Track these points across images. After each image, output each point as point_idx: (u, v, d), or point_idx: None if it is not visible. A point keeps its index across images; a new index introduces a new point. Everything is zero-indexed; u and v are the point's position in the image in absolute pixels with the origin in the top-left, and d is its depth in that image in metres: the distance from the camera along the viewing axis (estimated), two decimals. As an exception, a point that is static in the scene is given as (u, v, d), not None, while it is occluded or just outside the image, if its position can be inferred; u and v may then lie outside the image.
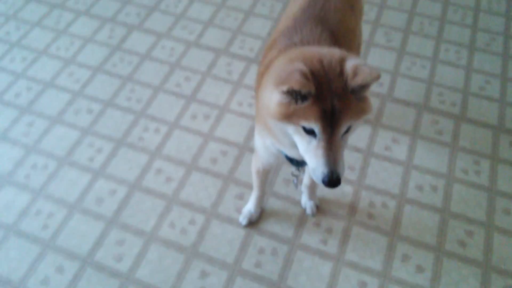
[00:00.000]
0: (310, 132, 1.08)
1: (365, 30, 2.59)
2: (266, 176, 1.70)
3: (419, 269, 1.75)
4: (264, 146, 1.41)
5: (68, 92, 2.27)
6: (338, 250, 1.78)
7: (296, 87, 1.02)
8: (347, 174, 1.99)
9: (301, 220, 1.86)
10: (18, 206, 1.87)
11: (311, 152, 1.10)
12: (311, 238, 1.81)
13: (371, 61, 2.44)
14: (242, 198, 1.91)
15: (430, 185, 1.98)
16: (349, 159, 2.04)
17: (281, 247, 1.78)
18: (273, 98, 1.10)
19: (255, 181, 1.72)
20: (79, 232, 1.81)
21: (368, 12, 2.70)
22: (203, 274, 1.71)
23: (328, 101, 1.05)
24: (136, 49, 2.47)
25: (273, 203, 1.91)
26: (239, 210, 1.87)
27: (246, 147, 2.07)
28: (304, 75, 1.03)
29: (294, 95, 1.06)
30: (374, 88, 2.31)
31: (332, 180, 1.08)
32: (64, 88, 2.28)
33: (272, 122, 1.14)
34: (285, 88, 1.04)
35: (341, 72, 1.07)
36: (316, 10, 1.46)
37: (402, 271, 1.74)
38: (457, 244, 1.81)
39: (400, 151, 2.08)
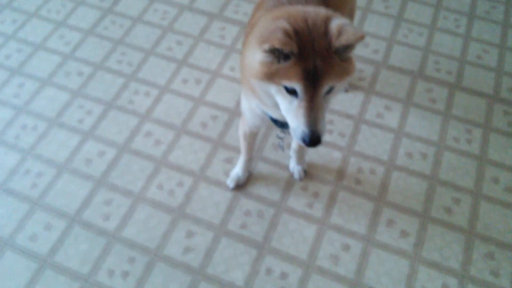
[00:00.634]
0: (292, 92, 1.07)
1: (363, -4, 2.53)
2: (253, 139, 1.70)
3: (403, 234, 1.76)
4: (250, 108, 1.40)
5: (59, 54, 2.25)
6: (324, 213, 1.79)
7: (278, 45, 1.00)
8: (337, 140, 1.99)
9: (289, 184, 1.87)
10: (7, 166, 1.89)
11: (292, 112, 1.09)
12: (297, 201, 1.82)
13: (367, 27, 2.40)
14: (230, 162, 1.92)
15: (420, 152, 1.97)
16: (340, 126, 2.03)
17: (267, 210, 1.79)
18: (256, 57, 1.09)
19: (242, 145, 1.72)
20: (68, 192, 1.82)
21: (367, -22, 2.63)
22: (189, 234, 1.73)
23: (311, 61, 1.03)
24: (128, 12, 2.43)
25: (261, 168, 1.91)
26: (227, 174, 1.88)
27: (236, 112, 2.05)
28: (286, 33, 1.01)
29: (277, 53, 1.04)
30: (368, 55, 2.28)
31: (313, 140, 1.08)
32: (55, 50, 2.26)
33: (255, 82, 1.13)
34: (267, 46, 1.02)
35: (325, 32, 1.05)
36: None
37: (386, 236, 1.75)
38: (443, 210, 1.82)
39: (392, 118, 2.06)
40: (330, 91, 1.09)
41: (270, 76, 1.07)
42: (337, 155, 1.95)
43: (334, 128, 2.02)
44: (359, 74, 2.20)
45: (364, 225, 1.77)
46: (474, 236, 1.76)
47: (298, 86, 1.05)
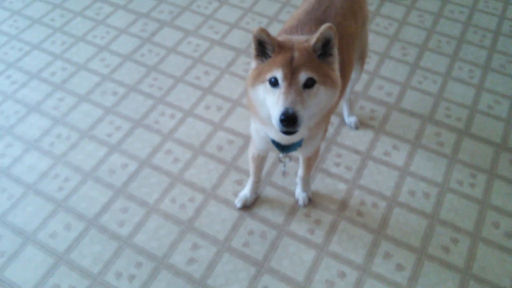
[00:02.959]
0: (275, 84, 1.24)
1: (382, 42, 2.69)
2: (261, 162, 1.83)
3: (399, 267, 1.81)
4: (256, 130, 1.55)
5: (98, 75, 2.49)
6: (323, 240, 1.88)
7: (261, 35, 1.23)
8: (343, 172, 2.09)
9: (293, 209, 1.97)
10: (40, 169, 2.08)
11: (274, 102, 1.23)
12: (299, 226, 1.92)
13: (384, 72, 2.54)
14: (240, 183, 2.05)
15: (422, 191, 2.04)
16: (348, 160, 2.14)
17: (270, 231, 1.90)
18: (250, 69, 1.32)
19: (251, 167, 1.86)
20: (89, 197, 1.99)
21: (388, 27, 2.80)
22: (195, 246, 1.85)
23: (289, 54, 1.24)
24: (164, 43, 2.67)
25: (268, 192, 2.03)
26: (236, 194, 2.00)
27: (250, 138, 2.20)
28: (265, 32, 1.23)
29: (262, 56, 1.28)
30: (382, 96, 2.41)
31: (287, 116, 1.18)
32: (95, 71, 2.51)
33: (251, 93, 1.31)
34: (253, 37, 1.25)
35: (306, 40, 1.28)
36: (318, 13, 1.60)
37: (382, 267, 1.81)
38: (441, 249, 1.87)
39: (398, 157, 2.16)
40: (311, 86, 1.24)
41: (258, 76, 1.27)
42: (342, 186, 2.05)
43: (342, 161, 2.13)
44: (370, 114, 2.33)
45: (362, 255, 1.84)
46: (469, 277, 1.80)
47: (277, 73, 1.23)
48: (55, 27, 2.75)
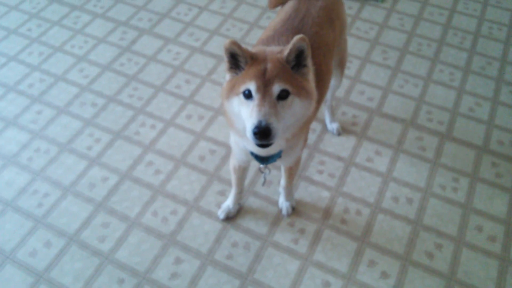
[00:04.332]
0: (249, 97, 1.23)
1: (363, 47, 2.69)
2: (243, 173, 1.82)
3: (384, 275, 1.81)
4: (235, 142, 1.54)
5: (77, 86, 2.45)
6: (308, 250, 1.87)
7: (233, 48, 1.22)
8: (326, 180, 2.08)
9: (277, 219, 1.96)
10: (18, 185, 2.04)
11: (248, 115, 1.22)
12: (283, 236, 1.90)
13: (365, 76, 2.54)
14: (223, 194, 2.03)
15: (406, 197, 2.04)
16: (330, 167, 2.13)
17: (253, 243, 1.88)
18: (225, 82, 1.31)
19: (233, 178, 1.84)
20: (70, 213, 1.95)
21: (369, 31, 2.80)
22: (178, 261, 1.82)
23: (262, 65, 1.23)
24: (144, 51, 2.64)
25: (252, 202, 2.01)
26: (219, 205, 1.98)
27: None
28: (236, 44, 1.23)
29: (236, 68, 1.28)
30: (363, 102, 2.40)
31: (261, 129, 1.16)
32: (74, 82, 2.47)
33: (226, 106, 1.31)
34: (225, 49, 1.24)
35: (279, 51, 1.28)
36: (295, 22, 1.59)
37: (366, 276, 1.80)
38: (425, 255, 1.87)
39: (381, 163, 2.16)
40: (285, 97, 1.23)
41: (232, 89, 1.26)
42: (325, 194, 2.04)
43: (325, 168, 2.13)
44: (352, 120, 2.32)
45: (346, 264, 1.83)
46: (454, 282, 1.80)
47: (251, 85, 1.22)
48: (32, 38, 2.70)
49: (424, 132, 2.29)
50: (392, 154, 2.20)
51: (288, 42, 1.47)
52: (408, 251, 1.88)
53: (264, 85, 1.21)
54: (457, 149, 2.23)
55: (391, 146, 2.23)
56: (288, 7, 1.68)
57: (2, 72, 2.51)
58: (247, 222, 1.94)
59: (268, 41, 1.54)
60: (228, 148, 2.19)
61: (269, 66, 1.23)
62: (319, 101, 1.47)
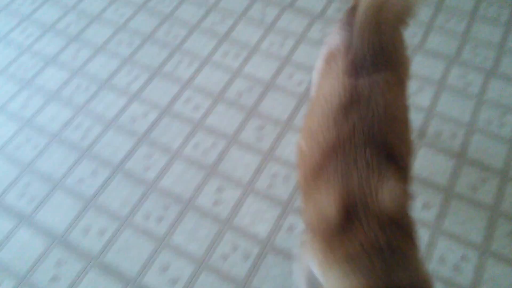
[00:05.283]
0: None
1: None
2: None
3: (426, 206, 1.80)
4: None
5: (113, 25, 2.45)
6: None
7: None
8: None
9: (316, 152, 1.95)
10: (62, 119, 2.09)
11: None
12: (323, 168, 1.91)
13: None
14: (262, 128, 2.03)
15: (449, 131, 2.00)
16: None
17: (293, 174, 1.89)
18: None
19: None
20: (113, 145, 2.00)
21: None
22: (219, 189, 1.86)
23: None
24: (178, -10, 2.60)
25: (292, 136, 2.01)
26: (258, 139, 1.99)
27: (272, 84, 2.17)
28: None
29: None
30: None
31: None
32: (110, 21, 2.47)
33: None
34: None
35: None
36: (363, 124, 1.05)
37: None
38: (469, 188, 1.85)
39: (423, 98, 2.11)
40: None
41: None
42: (365, 128, 2.02)
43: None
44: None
45: (387, 195, 1.83)
46: (498, 213, 1.78)
47: None
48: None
49: (469, 68, 2.21)
50: (435, 89, 2.14)
51: (366, 167, 1.01)
52: (451, 183, 1.86)
53: None
54: (503, 86, 2.15)
55: (434, 82, 2.17)
56: (336, 88, 1.12)
57: (40, 12, 2.52)
58: (286, 155, 1.95)
59: (334, 171, 1.02)
60: (265, 85, 2.17)
61: None
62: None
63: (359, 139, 1.03)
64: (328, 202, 0.99)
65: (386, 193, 0.98)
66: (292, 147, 1.97)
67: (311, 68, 2.22)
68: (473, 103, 2.09)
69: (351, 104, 1.07)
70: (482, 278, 1.65)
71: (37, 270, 1.69)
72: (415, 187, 1.84)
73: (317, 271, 1.04)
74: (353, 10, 1.24)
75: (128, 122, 2.07)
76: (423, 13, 2.44)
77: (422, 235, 1.73)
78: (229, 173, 1.90)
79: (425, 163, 1.91)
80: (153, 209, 1.81)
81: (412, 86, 2.15)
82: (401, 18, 1.25)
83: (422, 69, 2.21)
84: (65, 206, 1.83)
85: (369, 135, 1.04)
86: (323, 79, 1.21)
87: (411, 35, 2.34)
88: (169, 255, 1.71)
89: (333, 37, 1.26)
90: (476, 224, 1.75)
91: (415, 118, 2.04)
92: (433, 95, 2.12)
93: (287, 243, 1.72)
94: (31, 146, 2.01)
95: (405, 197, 1.03)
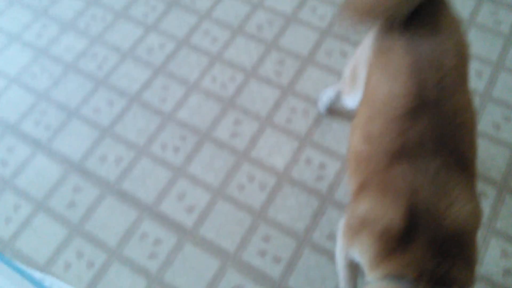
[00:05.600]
0: None
1: None
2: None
3: (447, 143, 1.76)
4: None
5: (129, -46, 2.36)
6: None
7: None
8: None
9: (337, 87, 1.90)
10: (77, 49, 2.05)
11: None
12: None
13: None
14: (282, 62, 1.98)
15: (475, 70, 1.93)
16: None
17: (311, 109, 1.86)
18: None
19: (344, 281, 1.30)
20: (129, 75, 1.97)
21: None
22: (237, 122, 1.83)
23: None
24: None
25: (311, 71, 1.95)
26: (276, 74, 1.94)
27: (293, 18, 2.09)
28: None
29: None
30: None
31: None
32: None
33: None
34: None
35: None
36: (433, 130, 1.00)
37: (429, 143, 1.76)
38: (492, 126, 1.80)
39: (449, 36, 2.02)
40: None
41: None
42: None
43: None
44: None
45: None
46: (520, 153, 1.74)
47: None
48: None
49: (500, 5, 2.10)
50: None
51: (429, 171, 0.97)
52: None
53: None
54: (535, 24, 2.05)
55: (463, 19, 2.07)
56: (398, 62, 1.07)
57: None
58: (306, 90, 1.91)
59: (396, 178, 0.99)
60: (287, 17, 2.09)
61: None
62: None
63: (428, 146, 0.98)
64: (393, 210, 0.96)
65: (456, 211, 0.95)
66: (313, 82, 1.92)
67: (336, 1, 2.13)
68: (502, 41, 2.00)
69: (418, 108, 1.01)
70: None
71: (54, 196, 1.71)
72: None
73: (360, 259, 1.04)
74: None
75: (144, 53, 2.03)
76: None
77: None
78: (247, 107, 1.87)
79: (448, 101, 1.85)
80: (169, 139, 1.80)
81: (439, 23, 2.05)
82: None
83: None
84: (81, 134, 1.83)
85: (439, 142, 0.99)
86: (377, 75, 1.12)
87: (441, -30, 2.21)
88: (186, 184, 1.71)
89: (383, 30, 1.16)
90: (497, 162, 1.72)
91: (441, 56, 1.97)
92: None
93: (304, 176, 1.71)
94: (47, 75, 1.98)
95: (476, 215, 0.98)
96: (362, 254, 1.02)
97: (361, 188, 1.06)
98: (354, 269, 1.25)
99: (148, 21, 2.12)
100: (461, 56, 1.11)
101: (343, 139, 1.78)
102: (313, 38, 2.02)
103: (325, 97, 1.79)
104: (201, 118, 1.85)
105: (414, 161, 0.98)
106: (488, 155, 1.73)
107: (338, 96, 1.75)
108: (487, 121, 1.81)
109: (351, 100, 1.41)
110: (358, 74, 1.31)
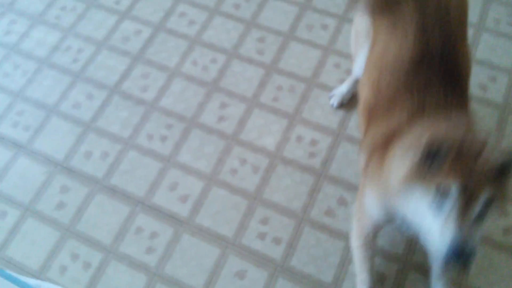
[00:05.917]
0: (442, 196, 0.91)
1: None
2: (374, 244, 1.33)
3: (436, 109, 1.75)
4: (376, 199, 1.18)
5: None
6: (356, 88, 1.80)
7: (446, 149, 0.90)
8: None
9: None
10: (50, 43, 1.96)
11: (441, 218, 0.91)
12: (330, 77, 1.83)
13: None
14: (263, 40, 1.93)
15: (457, 33, 1.91)
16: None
17: (298, 85, 1.82)
18: (406, 163, 0.97)
19: (359, 262, 1.34)
20: (107, 66, 1.89)
21: None
22: (223, 105, 1.79)
23: (466, 168, 0.89)
24: None
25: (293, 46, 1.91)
26: (259, 52, 1.90)
27: (269, -6, 2.04)
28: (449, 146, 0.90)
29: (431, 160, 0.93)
30: None
31: (461, 253, 0.87)
32: None
33: (400, 187, 0.99)
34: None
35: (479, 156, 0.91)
36: (433, 42, 1.15)
37: (418, 110, 1.75)
38: (479, 88, 1.79)
39: None
40: (483, 214, 0.91)
41: (420, 176, 0.93)
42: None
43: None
44: None
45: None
46: (508, 111, 1.74)
47: (455, 185, 0.88)
48: None
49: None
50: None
51: (438, 94, 1.11)
52: (460, 85, 1.80)
53: (468, 190, 0.88)
54: (513, -19, 2.03)
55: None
56: (405, 19, 1.18)
57: None
58: (290, 66, 1.86)
59: (411, 91, 1.13)
60: (263, -6, 2.03)
61: (475, 170, 0.88)
62: None
63: (432, 91, 1.12)
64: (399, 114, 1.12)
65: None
66: (297, 57, 1.88)
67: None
68: (481, 2, 1.98)
69: (424, 60, 1.14)
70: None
71: (41, 199, 1.64)
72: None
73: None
74: None
75: (120, 41, 1.95)
76: None
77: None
78: (232, 89, 1.83)
79: (434, 66, 1.84)
80: (155, 129, 1.75)
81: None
82: None
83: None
84: (63, 132, 1.76)
85: (442, 88, 1.12)
86: (384, 34, 1.22)
87: None
88: (177, 173, 1.67)
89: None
90: (487, 123, 1.72)
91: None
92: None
93: (296, 154, 1.68)
94: (20, 72, 1.90)
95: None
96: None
97: (369, 127, 1.22)
98: (369, 248, 1.29)
99: (121, 8, 2.04)
100: (463, 13, 1.24)
101: (332, 113, 1.75)
102: (293, 13, 1.97)
103: (338, 93, 1.75)
104: (186, 104, 1.80)
105: (424, 88, 1.12)
106: (477, 117, 1.73)
107: (350, 91, 1.73)
108: (473, 83, 1.79)
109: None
110: (360, 42, 1.40)
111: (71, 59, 1.92)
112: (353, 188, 1.61)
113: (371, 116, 1.22)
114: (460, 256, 0.86)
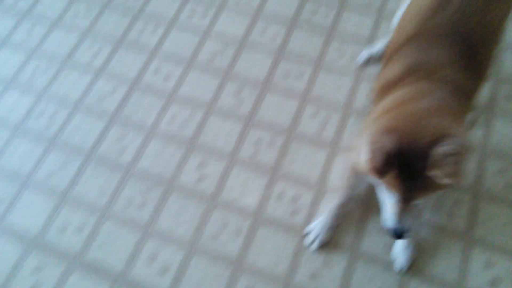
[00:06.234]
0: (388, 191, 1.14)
1: None
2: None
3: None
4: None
5: (65, -4, 2.22)
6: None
7: (378, 167, 1.02)
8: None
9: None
10: (23, 107, 1.92)
11: (388, 205, 1.18)
12: (309, 127, 1.77)
13: None
14: (240, 92, 1.88)
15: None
16: None
17: (277, 138, 1.77)
18: (363, 156, 1.10)
19: (346, 185, 1.50)
20: (82, 129, 1.84)
21: None
22: (202, 164, 1.73)
23: (407, 181, 1.05)
24: None
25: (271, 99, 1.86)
26: (237, 104, 1.84)
27: (245, 42, 1.99)
28: (387, 159, 1.00)
29: None
30: None
31: (397, 234, 1.18)
32: (61, -8, 2.24)
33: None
34: (368, 167, 1.05)
35: (427, 155, 1.00)
36: (451, 12, 1.22)
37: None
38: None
39: None
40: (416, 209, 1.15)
41: (372, 172, 1.06)
42: (351, 79, 1.86)
43: (348, 52, 1.92)
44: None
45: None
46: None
47: (394, 195, 1.11)
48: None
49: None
50: None
51: (443, 51, 1.19)
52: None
53: (407, 195, 1.09)
54: None
55: None
56: None
57: (-18, -9, 2.28)
58: (268, 117, 1.81)
59: (415, 47, 1.23)
60: (238, 45, 1.99)
61: (415, 182, 1.05)
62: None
63: (441, 31, 1.20)
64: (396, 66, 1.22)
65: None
66: (274, 108, 1.83)
67: (286, 20, 2.04)
68: None
69: (442, 4, 1.22)
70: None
71: (14, 280, 1.56)
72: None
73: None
74: None
75: (95, 102, 1.91)
76: None
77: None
78: (210, 145, 1.77)
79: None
80: (133, 195, 1.69)
81: None
82: None
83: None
84: (37, 205, 1.70)
85: (453, 34, 1.19)
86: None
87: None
88: (156, 243, 1.60)
89: None
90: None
91: None
92: None
93: (279, 212, 1.62)
94: (-6, 141, 1.85)
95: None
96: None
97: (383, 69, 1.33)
98: (355, 179, 1.47)
99: (95, 66, 2.00)
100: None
101: (313, 165, 1.69)
102: (268, 61, 1.93)
103: (366, 53, 1.86)
104: (164, 165, 1.74)
105: (429, 44, 1.21)
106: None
107: (378, 54, 1.83)
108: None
109: None
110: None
111: (45, 124, 1.87)
112: (339, 247, 1.54)
113: (387, 60, 1.33)
114: (396, 234, 1.17)
